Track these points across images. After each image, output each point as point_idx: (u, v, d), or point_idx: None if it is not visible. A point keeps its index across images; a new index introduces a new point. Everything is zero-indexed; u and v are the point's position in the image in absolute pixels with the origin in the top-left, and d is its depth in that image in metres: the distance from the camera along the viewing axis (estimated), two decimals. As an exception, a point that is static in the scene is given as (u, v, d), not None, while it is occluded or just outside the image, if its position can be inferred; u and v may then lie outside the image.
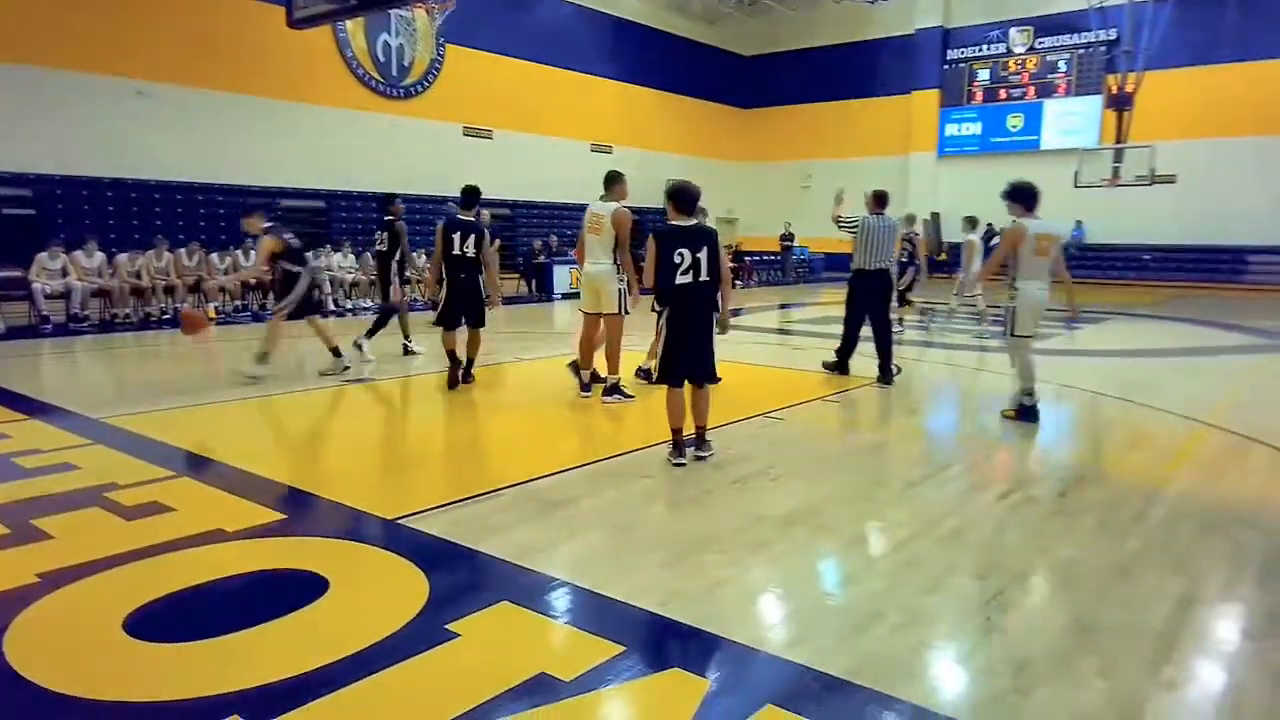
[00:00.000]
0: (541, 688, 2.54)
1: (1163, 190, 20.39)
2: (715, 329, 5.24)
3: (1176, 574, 3.56)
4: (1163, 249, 23.32)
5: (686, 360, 5.09)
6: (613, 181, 7.00)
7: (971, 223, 12.58)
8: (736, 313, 5.74)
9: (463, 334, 7.62)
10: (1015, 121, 25.62)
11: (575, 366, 7.46)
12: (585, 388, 7.17)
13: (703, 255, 4.97)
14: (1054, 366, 9.49)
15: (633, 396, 7.00)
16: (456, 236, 7.42)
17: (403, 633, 2.89)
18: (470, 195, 7.61)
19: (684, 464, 5.07)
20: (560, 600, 3.21)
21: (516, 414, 7.09)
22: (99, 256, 12.55)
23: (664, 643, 2.89)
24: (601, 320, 7.08)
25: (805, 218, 24.98)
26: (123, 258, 12.77)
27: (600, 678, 2.61)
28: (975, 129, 26.37)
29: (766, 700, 2.49)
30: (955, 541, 3.91)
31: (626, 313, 7.03)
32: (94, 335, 11.19)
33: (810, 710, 2.44)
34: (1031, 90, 25.26)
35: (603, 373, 7.11)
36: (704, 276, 4.99)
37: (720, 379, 5.27)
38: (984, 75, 26.07)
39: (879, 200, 8.04)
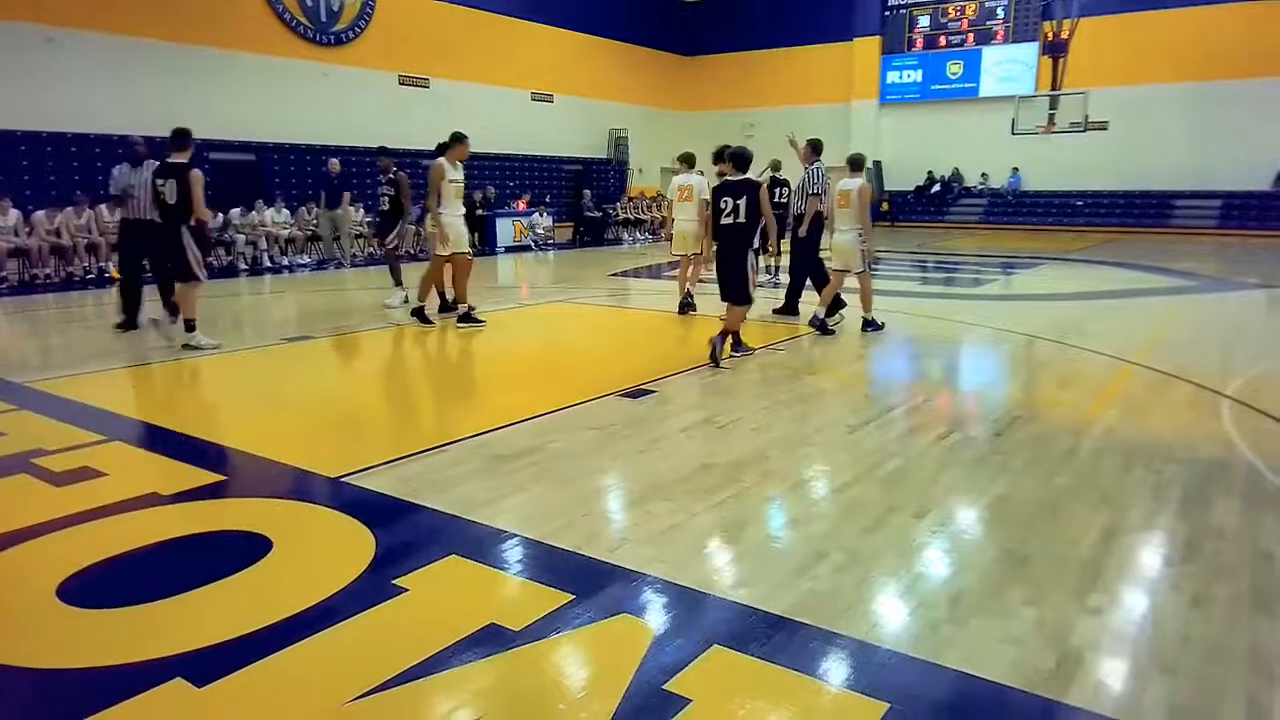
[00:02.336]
0: (491, 638, 2.56)
1: (1095, 137, 20.79)
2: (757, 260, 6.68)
3: (1102, 506, 3.71)
4: (1094, 194, 23.89)
5: (724, 281, 6.54)
6: (456, 142, 8.19)
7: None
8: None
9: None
10: (955, 69, 25.80)
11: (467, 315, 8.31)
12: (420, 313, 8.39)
13: (742, 203, 6.35)
14: (991, 311, 9.74)
15: (484, 322, 8.23)
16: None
17: (349, 590, 2.88)
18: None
19: (740, 355, 6.64)
20: (509, 552, 3.22)
21: (462, 368, 7.03)
22: (14, 214, 11.94)
23: (612, 590, 2.92)
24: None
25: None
26: (40, 215, 12.15)
27: (550, 626, 2.63)
28: (916, 76, 26.49)
29: (713, 641, 2.55)
30: (896, 482, 4.01)
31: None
32: (13, 297, 10.69)
33: (755, 649, 2.51)
34: (971, 37, 25.43)
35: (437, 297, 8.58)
36: (741, 219, 6.39)
37: (752, 301, 6.59)
38: (924, 21, 26.13)
39: (816, 150, 8.52)
